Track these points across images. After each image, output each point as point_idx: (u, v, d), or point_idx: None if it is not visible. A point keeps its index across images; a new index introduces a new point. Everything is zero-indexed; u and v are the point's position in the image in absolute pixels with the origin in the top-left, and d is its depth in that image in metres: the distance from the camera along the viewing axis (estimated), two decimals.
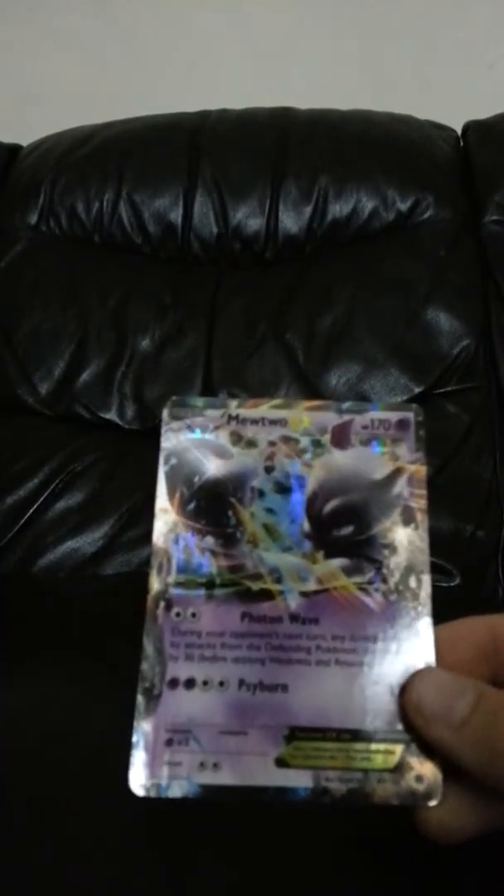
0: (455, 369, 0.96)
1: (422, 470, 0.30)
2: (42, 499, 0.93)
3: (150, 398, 0.98)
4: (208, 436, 0.31)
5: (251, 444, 0.30)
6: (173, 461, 0.30)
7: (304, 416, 0.31)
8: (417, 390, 0.95)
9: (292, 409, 0.31)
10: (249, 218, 1.05)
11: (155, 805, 0.26)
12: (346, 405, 0.31)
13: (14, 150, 1.17)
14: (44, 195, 1.09)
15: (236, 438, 0.30)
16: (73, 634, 0.65)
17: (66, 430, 0.98)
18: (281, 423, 0.31)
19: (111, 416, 0.98)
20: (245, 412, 0.31)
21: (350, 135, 1.08)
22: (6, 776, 0.38)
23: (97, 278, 1.04)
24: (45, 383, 0.99)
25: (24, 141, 1.18)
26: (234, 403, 0.31)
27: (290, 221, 1.05)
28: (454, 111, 1.14)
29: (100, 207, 1.07)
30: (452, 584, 0.86)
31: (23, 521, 0.92)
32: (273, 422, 0.31)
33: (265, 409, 0.31)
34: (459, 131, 1.12)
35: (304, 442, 0.30)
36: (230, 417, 0.31)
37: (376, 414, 0.31)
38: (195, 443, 0.30)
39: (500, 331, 0.99)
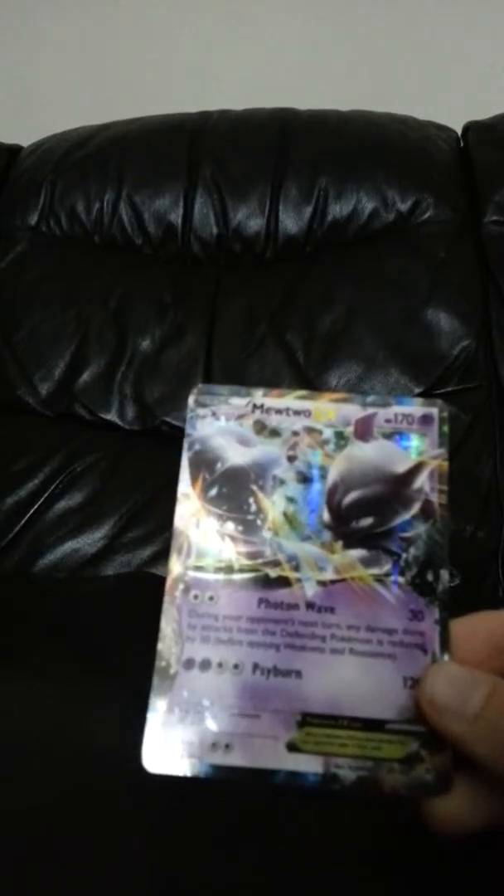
0: (455, 369, 0.97)
1: (444, 465, 0.30)
2: (42, 499, 0.93)
3: (150, 398, 0.98)
4: (232, 424, 0.31)
5: (275, 433, 0.31)
6: (197, 447, 0.31)
7: (329, 408, 0.31)
8: (417, 391, 0.95)
9: (317, 400, 0.31)
10: (249, 218, 1.05)
11: (165, 783, 0.26)
12: (371, 398, 0.31)
13: (14, 150, 1.17)
14: (44, 196, 1.09)
15: (260, 427, 0.31)
16: (74, 634, 0.65)
17: (66, 431, 0.98)
18: (305, 413, 0.31)
19: (111, 416, 0.98)
20: (270, 402, 0.31)
21: (350, 135, 1.08)
22: (8, 774, 0.38)
23: (97, 279, 1.04)
24: (46, 384, 1.00)
25: (25, 142, 1.18)
26: (259, 393, 0.31)
27: (291, 222, 1.05)
28: (454, 111, 1.14)
29: (100, 208, 1.07)
30: (453, 584, 0.86)
31: (23, 521, 0.92)
32: (297, 412, 0.31)
33: (290, 399, 0.31)
34: (459, 132, 1.12)
35: (328, 433, 0.31)
36: (255, 406, 0.31)
37: (400, 408, 0.31)
38: (219, 430, 0.31)
39: (500, 331, 0.99)
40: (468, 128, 1.12)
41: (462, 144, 1.11)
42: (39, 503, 0.93)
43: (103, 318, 1.01)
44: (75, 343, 1.00)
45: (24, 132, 1.19)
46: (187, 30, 1.33)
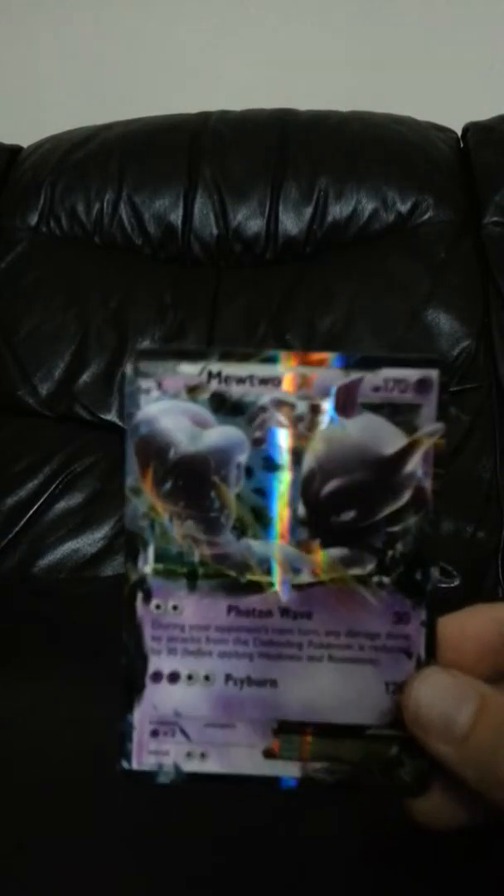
0: (455, 370, 0.97)
1: (441, 443, 0.25)
2: (42, 500, 0.93)
3: None
4: (183, 399, 0.25)
5: (237, 409, 0.25)
6: (143, 431, 0.25)
7: (303, 374, 0.25)
8: None
9: (288, 364, 0.25)
10: (249, 219, 1.05)
11: (145, 792, 0.26)
12: (355, 359, 0.25)
13: (15, 150, 1.17)
14: (44, 196, 1.09)
15: (219, 403, 0.25)
16: (73, 635, 0.65)
17: (66, 431, 0.98)
18: (273, 382, 0.25)
19: (111, 416, 0.98)
20: (229, 369, 0.25)
21: (350, 136, 1.08)
22: (5, 774, 0.38)
23: (97, 279, 1.04)
24: (46, 384, 1.00)
25: (25, 142, 1.18)
26: (214, 356, 0.25)
27: (291, 223, 1.05)
28: (454, 112, 1.14)
29: (100, 208, 1.07)
30: (453, 585, 0.86)
31: (23, 521, 0.92)
32: (264, 381, 0.25)
33: (254, 364, 0.25)
34: (459, 133, 1.12)
35: (301, 407, 0.25)
36: (210, 375, 0.25)
37: (391, 372, 0.25)
38: (168, 408, 0.25)
39: (500, 331, 0.99)
40: (468, 129, 1.12)
41: (462, 145, 1.11)
42: (39, 503, 0.93)
43: (103, 318, 1.01)
44: (75, 343, 1.01)
45: (25, 132, 1.19)
46: (187, 30, 1.33)
